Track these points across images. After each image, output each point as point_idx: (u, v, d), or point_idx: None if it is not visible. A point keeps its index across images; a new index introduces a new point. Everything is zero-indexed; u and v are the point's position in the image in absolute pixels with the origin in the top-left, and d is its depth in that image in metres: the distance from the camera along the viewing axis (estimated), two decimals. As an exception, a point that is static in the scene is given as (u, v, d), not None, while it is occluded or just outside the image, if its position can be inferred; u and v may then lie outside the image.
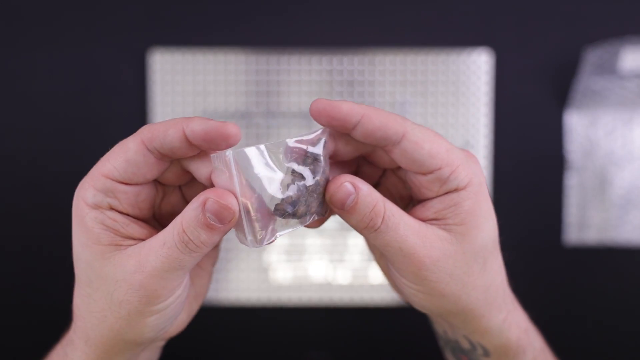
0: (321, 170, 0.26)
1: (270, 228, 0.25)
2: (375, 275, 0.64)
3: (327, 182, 0.26)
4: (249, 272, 0.64)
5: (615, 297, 0.67)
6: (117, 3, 0.63)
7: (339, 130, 0.26)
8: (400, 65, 0.64)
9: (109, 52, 0.64)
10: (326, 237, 0.63)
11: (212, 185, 0.26)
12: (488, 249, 0.27)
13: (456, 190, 0.26)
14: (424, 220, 0.26)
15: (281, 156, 0.26)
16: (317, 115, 0.25)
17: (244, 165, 0.25)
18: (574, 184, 0.66)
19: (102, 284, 0.25)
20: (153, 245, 0.25)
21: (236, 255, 0.64)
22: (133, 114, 0.64)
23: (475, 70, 0.64)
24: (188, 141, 0.25)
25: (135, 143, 0.25)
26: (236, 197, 0.24)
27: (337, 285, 0.64)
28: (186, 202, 0.30)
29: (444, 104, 0.64)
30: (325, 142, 0.26)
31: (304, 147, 0.26)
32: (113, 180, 0.25)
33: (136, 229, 0.26)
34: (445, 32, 0.65)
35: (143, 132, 0.25)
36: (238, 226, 0.25)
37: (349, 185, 0.24)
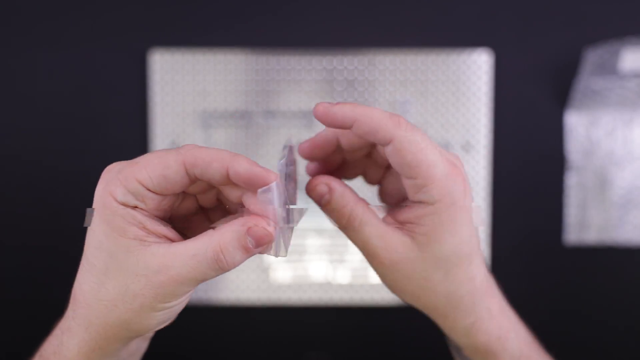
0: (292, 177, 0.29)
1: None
2: (376, 275, 0.64)
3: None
4: (249, 272, 0.64)
5: (615, 296, 0.67)
6: (117, 4, 0.63)
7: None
8: (401, 66, 0.64)
9: (110, 52, 0.64)
10: (326, 237, 0.63)
11: (239, 203, 0.28)
12: (451, 261, 0.29)
13: (426, 203, 0.28)
14: (396, 223, 0.29)
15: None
16: (318, 118, 0.28)
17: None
18: (574, 184, 0.66)
19: (119, 275, 0.26)
20: (181, 253, 0.26)
21: (236, 255, 0.64)
22: (133, 113, 0.64)
23: (476, 70, 0.64)
24: (227, 177, 0.26)
25: (177, 163, 0.26)
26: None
27: (337, 285, 0.64)
28: (200, 207, 0.31)
29: (444, 104, 0.64)
30: (288, 154, 0.29)
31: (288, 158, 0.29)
32: (145, 187, 0.26)
33: (159, 225, 0.27)
34: (445, 33, 0.65)
35: (186, 155, 0.26)
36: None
37: (323, 185, 0.29)
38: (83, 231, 0.71)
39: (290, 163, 0.29)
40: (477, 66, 0.64)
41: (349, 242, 0.63)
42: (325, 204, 0.29)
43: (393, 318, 0.65)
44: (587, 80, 0.62)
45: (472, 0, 0.65)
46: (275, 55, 0.63)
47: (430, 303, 0.30)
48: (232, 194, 0.27)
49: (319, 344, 0.66)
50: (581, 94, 0.64)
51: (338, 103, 0.28)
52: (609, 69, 0.62)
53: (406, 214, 0.29)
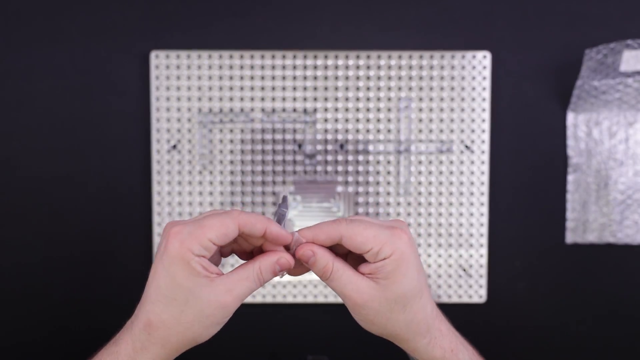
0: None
1: None
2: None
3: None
4: (249, 271, 0.64)
5: (616, 294, 0.67)
6: (119, 7, 0.64)
7: None
8: (401, 67, 0.64)
9: (111, 54, 0.64)
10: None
11: (250, 252, 0.41)
12: (407, 296, 0.39)
13: (384, 259, 0.39)
14: (364, 274, 0.40)
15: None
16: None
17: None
18: (574, 184, 0.66)
19: (197, 303, 0.38)
20: (237, 279, 0.39)
21: (237, 254, 0.64)
22: (134, 114, 0.64)
23: (478, 71, 0.64)
24: (263, 234, 0.38)
25: (234, 224, 0.37)
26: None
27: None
28: (219, 252, 0.42)
29: (444, 105, 0.64)
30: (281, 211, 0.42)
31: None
32: (212, 243, 0.37)
33: (214, 265, 0.38)
34: (445, 36, 0.65)
35: (239, 218, 0.37)
36: None
37: (309, 251, 0.39)
38: (82, 229, 0.70)
39: (286, 207, 0.42)
40: (478, 67, 0.64)
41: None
42: (311, 264, 0.39)
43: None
44: (587, 80, 0.62)
45: (472, 2, 0.65)
46: (275, 55, 0.64)
47: (394, 331, 0.40)
48: (257, 242, 0.40)
49: (317, 342, 0.66)
50: (582, 94, 0.64)
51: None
52: (610, 69, 0.62)
53: (370, 267, 0.39)
